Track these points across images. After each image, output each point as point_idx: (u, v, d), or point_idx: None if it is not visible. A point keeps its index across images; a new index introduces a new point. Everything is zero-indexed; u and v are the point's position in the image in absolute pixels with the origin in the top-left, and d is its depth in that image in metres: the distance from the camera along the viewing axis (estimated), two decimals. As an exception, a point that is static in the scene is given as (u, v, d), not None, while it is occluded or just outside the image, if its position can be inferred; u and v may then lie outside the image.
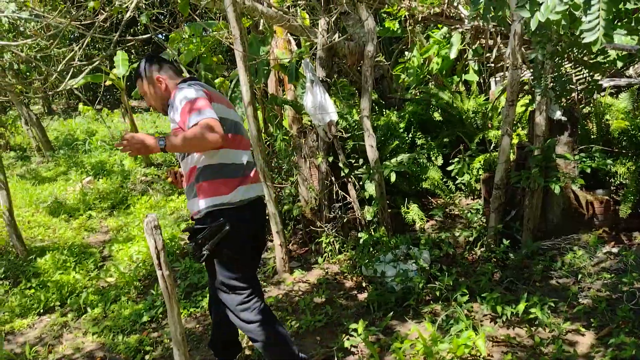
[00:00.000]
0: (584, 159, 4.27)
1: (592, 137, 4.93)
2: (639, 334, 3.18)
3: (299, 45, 7.57)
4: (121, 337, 3.80)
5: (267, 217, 3.08)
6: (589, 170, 4.23)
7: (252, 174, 2.79)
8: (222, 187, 2.65)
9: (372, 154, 4.60)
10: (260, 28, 7.76)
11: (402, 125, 5.62)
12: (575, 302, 3.71)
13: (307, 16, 6.26)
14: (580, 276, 3.95)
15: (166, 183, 7.85)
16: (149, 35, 3.83)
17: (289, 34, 7.50)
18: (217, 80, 7.69)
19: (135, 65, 7.24)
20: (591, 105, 4.97)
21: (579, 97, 3.58)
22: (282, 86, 8.26)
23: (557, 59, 2.78)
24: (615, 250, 4.31)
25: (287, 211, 4.97)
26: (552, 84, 3.05)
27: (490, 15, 1.70)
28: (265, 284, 4.47)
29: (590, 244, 4.31)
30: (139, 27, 15.09)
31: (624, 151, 4.58)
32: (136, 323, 3.92)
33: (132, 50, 16.76)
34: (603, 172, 4.75)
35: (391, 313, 3.74)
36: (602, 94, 4.70)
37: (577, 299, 3.74)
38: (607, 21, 1.30)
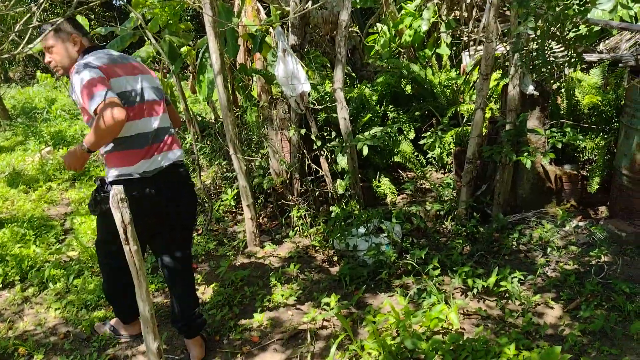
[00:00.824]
0: (555, 134, 4.29)
1: (562, 112, 4.96)
2: (606, 306, 3.25)
3: (268, 14, 7.35)
4: (85, 312, 3.67)
5: (188, 186, 3.03)
6: (559, 145, 4.26)
7: (162, 143, 2.79)
8: (125, 159, 2.70)
9: (345, 126, 4.52)
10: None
11: (374, 98, 5.54)
12: (544, 275, 3.77)
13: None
14: (549, 250, 4.01)
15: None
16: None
17: (257, 2, 7.27)
18: (183, 49, 7.42)
19: (96, 30, 6.90)
20: (561, 80, 4.99)
21: (554, 71, 3.57)
22: (251, 56, 8.03)
23: (540, 32, 2.74)
24: (582, 224, 4.39)
25: (257, 184, 4.86)
26: (532, 58, 3.02)
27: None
28: (235, 257, 4.39)
29: (559, 218, 4.37)
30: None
31: (593, 126, 4.63)
32: (101, 298, 3.79)
33: (92, 17, 16.07)
34: (572, 147, 4.80)
35: (363, 287, 3.73)
36: (573, 69, 4.71)
37: (545, 272, 3.80)
38: None
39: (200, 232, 4.91)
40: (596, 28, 4.40)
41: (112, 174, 2.71)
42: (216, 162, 5.92)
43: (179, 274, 3.08)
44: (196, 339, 3.10)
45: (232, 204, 5.25)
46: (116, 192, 2.38)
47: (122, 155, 2.69)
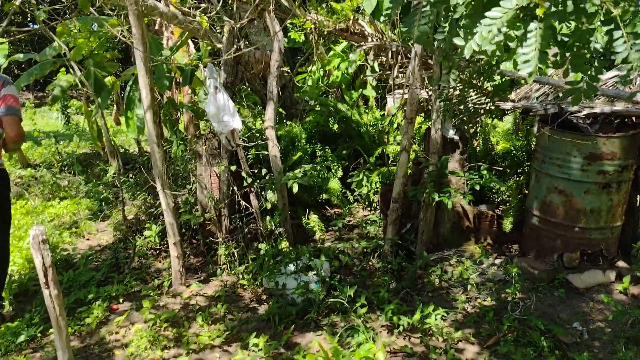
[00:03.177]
0: (473, 176, 4.55)
1: (478, 155, 5.28)
2: (523, 341, 3.44)
3: (198, 49, 7.34)
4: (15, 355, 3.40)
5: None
6: (477, 187, 4.52)
7: None
8: None
9: (275, 164, 4.56)
10: (157, 27, 7.43)
11: (304, 136, 5.65)
12: (464, 311, 3.93)
13: (205, 20, 6.09)
14: (468, 287, 4.20)
15: (45, 187, 7.20)
16: (37, 27, 3.48)
17: (187, 36, 7.25)
18: (107, 79, 7.22)
19: (15, 57, 6.58)
20: (478, 125, 5.33)
21: (473, 118, 3.85)
22: (179, 89, 7.95)
23: (463, 84, 2.97)
24: (498, 261, 4.65)
25: (183, 221, 4.76)
26: (455, 107, 3.25)
27: (424, 39, 1.73)
28: (159, 297, 4.24)
29: (477, 256, 4.61)
30: (18, 17, 13.79)
31: (507, 170, 4.96)
32: (12, 343, 3.52)
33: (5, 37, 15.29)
34: (488, 188, 5.10)
35: (292, 326, 3.71)
36: (490, 117, 5.05)
37: (466, 308, 3.97)
38: (541, 54, 1.37)
39: (122, 270, 4.70)
40: (507, 78, 4.76)
41: None
42: (140, 197, 5.75)
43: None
44: None
45: (157, 240, 5.09)
46: (37, 233, 2.27)
47: None
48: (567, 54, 1.71)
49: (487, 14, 1.47)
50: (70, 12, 4.82)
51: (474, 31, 1.49)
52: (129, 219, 5.60)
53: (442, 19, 1.82)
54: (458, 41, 1.60)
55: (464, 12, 1.62)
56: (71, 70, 5.25)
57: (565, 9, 1.46)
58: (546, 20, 1.47)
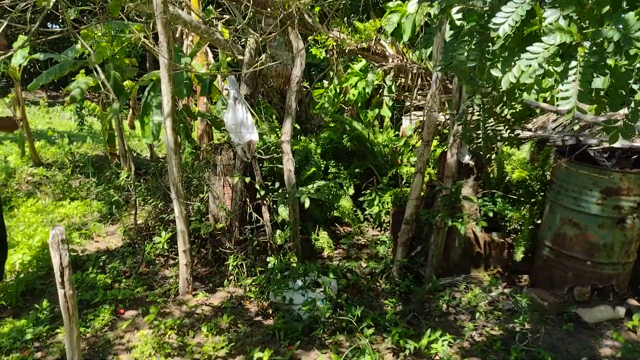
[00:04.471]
0: (487, 203, 4.53)
1: (493, 182, 5.25)
2: (530, 374, 3.39)
3: (216, 58, 7.40)
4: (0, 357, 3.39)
5: None
6: (491, 214, 4.49)
7: None
8: None
9: (289, 178, 4.56)
10: (177, 36, 7.50)
11: (318, 151, 5.66)
12: (471, 339, 3.89)
13: (226, 32, 6.15)
14: (477, 314, 4.15)
15: (56, 186, 7.23)
16: (62, 29, 3.53)
17: (207, 47, 7.32)
18: (126, 83, 7.28)
19: (35, 56, 6.66)
20: (493, 152, 5.31)
21: (492, 145, 3.83)
22: (195, 98, 7.99)
23: (483, 109, 2.98)
24: (507, 290, 4.60)
25: (193, 229, 4.75)
26: (474, 132, 3.26)
27: (462, 67, 1.74)
28: (165, 304, 4.22)
29: (486, 283, 4.56)
30: (38, 16, 13.96)
31: (521, 199, 4.93)
32: (17, 341, 3.51)
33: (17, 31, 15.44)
34: (500, 215, 5.07)
35: (297, 342, 3.68)
36: (504, 143, 5.04)
37: (473, 336, 3.93)
38: (581, 92, 1.37)
39: (129, 274, 4.70)
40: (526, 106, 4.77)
41: None
42: (151, 202, 5.75)
43: None
44: None
45: (166, 247, 5.08)
46: (57, 233, 2.27)
47: None
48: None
49: (528, 48, 1.47)
50: (98, 16, 4.87)
51: (512, 64, 1.50)
52: (139, 223, 5.60)
53: (473, 47, 1.83)
54: (495, 72, 1.61)
55: (503, 44, 1.63)
56: (94, 72, 5.29)
57: (606, 50, 1.46)
58: (588, 59, 1.47)
